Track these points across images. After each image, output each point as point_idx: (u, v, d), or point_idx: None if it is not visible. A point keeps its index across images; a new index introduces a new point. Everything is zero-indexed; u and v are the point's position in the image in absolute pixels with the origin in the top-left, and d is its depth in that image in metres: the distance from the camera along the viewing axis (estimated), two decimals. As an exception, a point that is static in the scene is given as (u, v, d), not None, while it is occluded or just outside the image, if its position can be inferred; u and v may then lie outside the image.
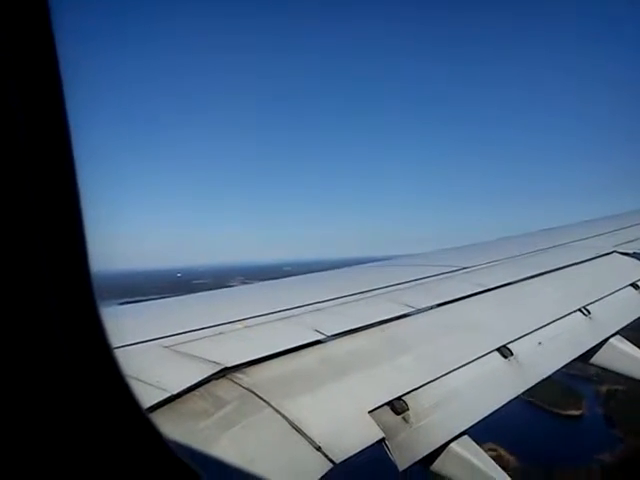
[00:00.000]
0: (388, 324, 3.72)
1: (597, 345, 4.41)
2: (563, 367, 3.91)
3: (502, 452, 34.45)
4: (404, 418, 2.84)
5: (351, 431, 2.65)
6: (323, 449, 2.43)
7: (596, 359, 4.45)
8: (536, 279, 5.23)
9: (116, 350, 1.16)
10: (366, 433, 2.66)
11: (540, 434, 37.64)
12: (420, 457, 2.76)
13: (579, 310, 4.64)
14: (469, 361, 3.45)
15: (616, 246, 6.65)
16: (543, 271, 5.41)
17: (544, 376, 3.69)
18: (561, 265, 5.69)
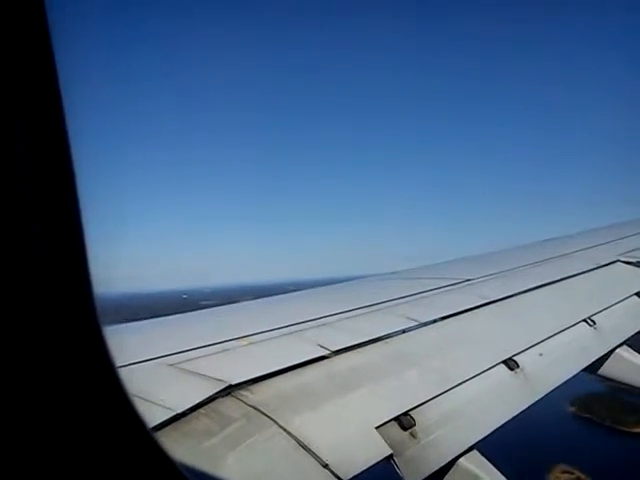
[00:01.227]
0: (392, 338, 3.70)
1: (604, 356, 4.38)
2: (570, 378, 3.88)
3: (580, 475, 31.29)
4: (411, 433, 2.81)
5: (358, 448, 2.62)
6: (330, 466, 2.40)
7: (604, 370, 4.42)
8: (540, 290, 5.21)
9: (120, 369, 1.15)
10: (374, 449, 2.63)
11: (613, 454, 34.38)
12: (429, 473, 2.73)
13: (584, 321, 4.62)
14: (475, 374, 3.43)
15: (619, 255, 6.63)
16: (547, 282, 5.39)
17: (552, 388, 3.66)
18: (565, 276, 5.67)
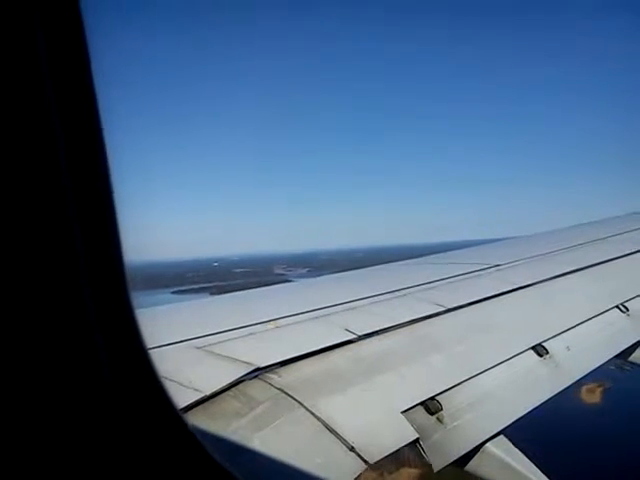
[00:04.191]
0: (419, 323, 3.69)
1: (637, 343, 4.29)
2: (601, 365, 3.82)
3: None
4: (438, 418, 2.81)
5: (385, 431, 2.63)
6: (357, 449, 2.42)
7: (635, 357, 4.33)
8: (571, 275, 5.12)
9: (150, 351, 1.17)
10: (400, 433, 2.64)
11: None
12: (455, 458, 2.73)
13: (617, 307, 4.53)
14: (503, 360, 3.40)
15: None
16: (579, 267, 5.29)
17: (581, 375, 3.61)
18: (597, 261, 5.55)
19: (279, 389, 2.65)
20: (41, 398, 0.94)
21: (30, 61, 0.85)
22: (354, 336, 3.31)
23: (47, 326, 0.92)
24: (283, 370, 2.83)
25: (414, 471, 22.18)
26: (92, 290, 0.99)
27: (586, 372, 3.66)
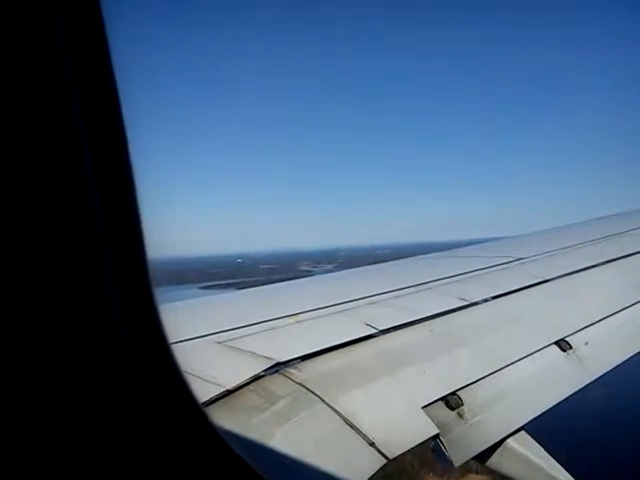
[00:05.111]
0: (442, 317, 3.67)
1: None
2: (625, 361, 3.76)
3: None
4: (459, 413, 2.80)
5: (405, 427, 2.63)
6: (377, 445, 2.42)
7: None
8: (596, 269, 5.03)
9: (173, 346, 1.19)
10: (420, 429, 2.63)
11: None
12: (475, 453, 2.72)
13: None
14: (526, 355, 3.37)
15: None
16: (603, 261, 5.20)
17: (605, 370, 3.56)
18: (621, 254, 5.45)
19: (299, 384, 2.66)
20: (63, 391, 0.96)
21: (51, 54, 0.86)
22: (375, 330, 3.31)
23: (71, 321, 0.94)
24: (304, 365, 2.84)
25: (480, 478, 21.69)
26: (116, 285, 1.00)
27: (610, 368, 3.61)
